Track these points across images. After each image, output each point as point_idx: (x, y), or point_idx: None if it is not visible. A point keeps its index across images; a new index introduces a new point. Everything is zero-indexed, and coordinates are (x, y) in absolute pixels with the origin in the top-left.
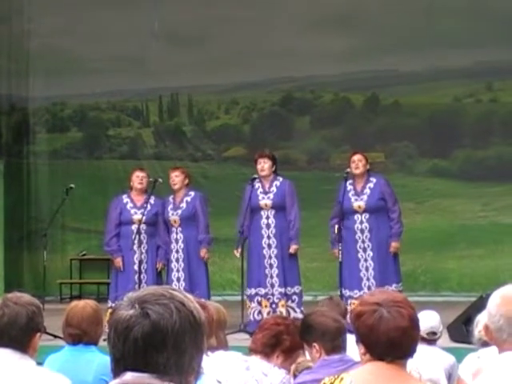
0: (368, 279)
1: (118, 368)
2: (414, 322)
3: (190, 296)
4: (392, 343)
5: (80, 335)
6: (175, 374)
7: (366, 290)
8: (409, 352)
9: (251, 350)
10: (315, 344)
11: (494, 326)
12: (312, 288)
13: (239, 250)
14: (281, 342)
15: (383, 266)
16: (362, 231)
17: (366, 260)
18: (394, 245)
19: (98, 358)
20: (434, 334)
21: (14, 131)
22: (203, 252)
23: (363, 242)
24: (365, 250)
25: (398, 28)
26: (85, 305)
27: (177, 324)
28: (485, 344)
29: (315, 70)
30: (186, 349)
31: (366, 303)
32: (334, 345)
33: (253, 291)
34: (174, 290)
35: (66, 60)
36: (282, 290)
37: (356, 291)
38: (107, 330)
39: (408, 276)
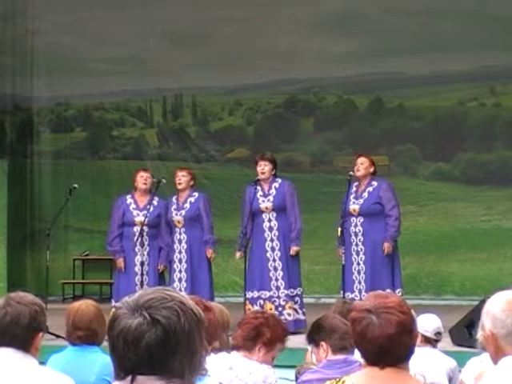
0: (360, 282)
1: (127, 374)
2: (404, 329)
3: (183, 293)
4: (380, 350)
5: (90, 336)
6: (189, 376)
7: (356, 293)
8: (402, 358)
9: (233, 347)
10: (323, 343)
11: (506, 331)
12: (315, 290)
13: (240, 252)
14: (261, 334)
15: (376, 270)
16: (356, 234)
17: (358, 263)
18: (385, 244)
19: (100, 358)
20: (440, 334)
21: (18, 131)
22: (209, 253)
23: (356, 245)
24: (358, 253)
25: (402, 31)
26: (87, 305)
27: (186, 325)
28: None
29: (319, 72)
30: (197, 348)
31: (357, 309)
32: (342, 345)
33: (255, 294)
34: (168, 290)
35: (71, 60)
36: (288, 292)
37: (348, 293)
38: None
39: (410, 279)
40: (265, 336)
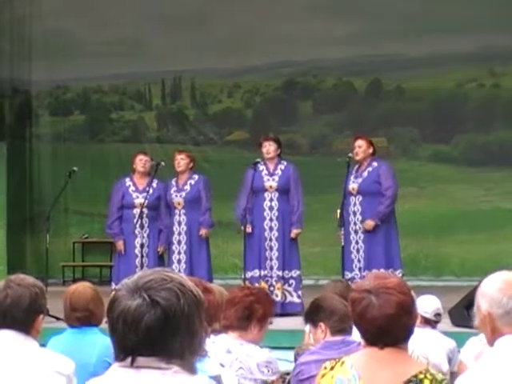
0: (359, 261)
1: (127, 355)
2: (404, 309)
3: (183, 275)
4: (380, 331)
5: (88, 317)
6: (189, 357)
7: (356, 271)
8: (401, 338)
9: (226, 327)
10: (321, 324)
11: (503, 311)
12: (314, 272)
13: (244, 228)
14: (254, 311)
15: (373, 249)
16: (355, 213)
17: (357, 242)
18: (367, 222)
19: (100, 340)
20: (440, 315)
21: (16, 114)
22: (204, 232)
23: (355, 223)
24: (356, 232)
25: (400, 12)
26: (84, 287)
27: (185, 307)
28: None
29: (318, 54)
30: (197, 330)
31: (357, 290)
32: (341, 327)
33: (256, 273)
34: (168, 271)
35: (69, 43)
36: (280, 273)
37: (347, 273)
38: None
39: (410, 261)
40: (258, 313)
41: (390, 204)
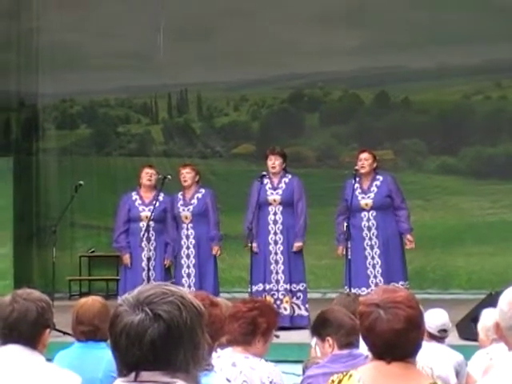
0: (375, 276)
1: (131, 371)
2: (412, 324)
3: (180, 287)
4: (387, 345)
5: (93, 332)
6: (193, 369)
7: (373, 287)
8: (409, 353)
9: (230, 342)
10: (329, 338)
11: (506, 324)
12: (321, 285)
13: (250, 244)
14: (258, 326)
15: (390, 263)
16: (369, 228)
17: (373, 258)
18: (409, 237)
19: (107, 355)
20: (445, 331)
21: (23, 128)
22: (215, 249)
23: (370, 239)
24: (372, 247)
25: (407, 25)
26: (93, 301)
27: (188, 319)
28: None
29: (324, 66)
30: (200, 341)
31: (366, 304)
32: (348, 340)
33: (260, 287)
34: (167, 285)
35: (75, 56)
36: (287, 286)
37: (364, 289)
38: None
39: (417, 273)
40: (262, 327)
41: (409, 218)
